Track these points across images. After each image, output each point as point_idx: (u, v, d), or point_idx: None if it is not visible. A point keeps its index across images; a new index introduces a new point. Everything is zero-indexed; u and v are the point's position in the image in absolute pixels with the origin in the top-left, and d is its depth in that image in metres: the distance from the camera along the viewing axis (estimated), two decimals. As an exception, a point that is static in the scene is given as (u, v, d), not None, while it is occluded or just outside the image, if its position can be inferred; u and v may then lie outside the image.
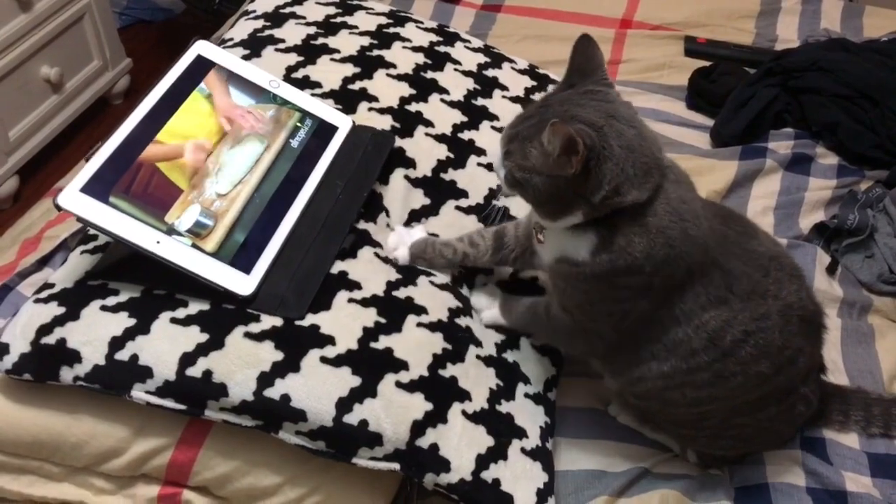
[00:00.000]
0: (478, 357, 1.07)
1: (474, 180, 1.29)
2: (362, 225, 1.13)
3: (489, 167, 1.31)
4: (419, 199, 1.23)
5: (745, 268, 1.00)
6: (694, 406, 1.04)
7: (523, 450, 1.02)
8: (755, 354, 0.99)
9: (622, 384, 1.09)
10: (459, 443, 0.97)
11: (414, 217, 1.22)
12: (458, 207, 1.25)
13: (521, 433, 1.04)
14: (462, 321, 1.10)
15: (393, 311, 1.04)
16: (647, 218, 0.92)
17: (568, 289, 1.02)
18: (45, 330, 0.97)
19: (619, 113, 0.93)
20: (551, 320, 1.07)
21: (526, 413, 1.07)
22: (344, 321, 1.01)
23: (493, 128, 1.38)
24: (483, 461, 0.97)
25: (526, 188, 0.94)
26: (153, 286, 1.02)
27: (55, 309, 0.99)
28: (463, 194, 1.27)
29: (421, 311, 1.06)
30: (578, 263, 0.96)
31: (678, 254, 0.94)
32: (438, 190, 1.25)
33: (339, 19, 1.49)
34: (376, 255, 1.11)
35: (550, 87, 1.50)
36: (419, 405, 0.96)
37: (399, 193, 1.22)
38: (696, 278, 0.97)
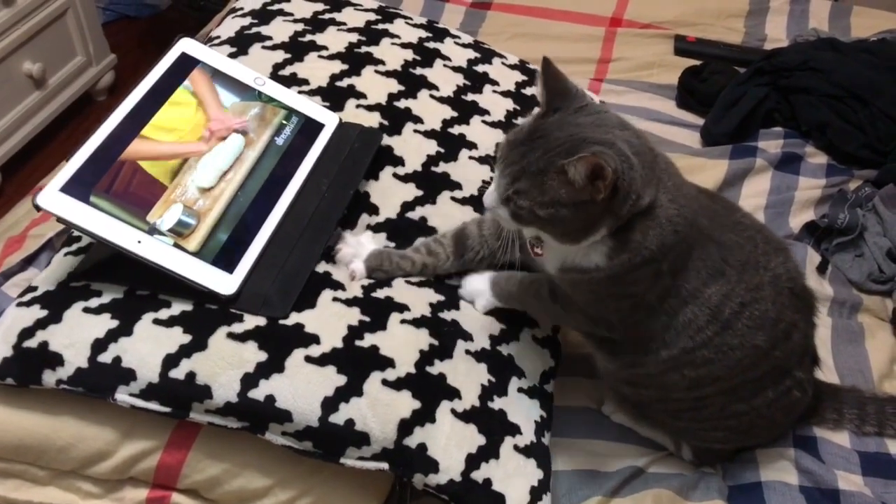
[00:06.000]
0: (467, 352, 1.05)
1: (467, 174, 1.26)
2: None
3: (481, 160, 1.29)
4: (411, 191, 1.21)
5: (737, 238, 1.02)
6: (693, 389, 1.04)
7: (516, 447, 1.01)
8: (751, 326, 1.00)
9: (619, 367, 1.08)
10: (448, 443, 0.96)
11: (407, 208, 1.18)
12: (453, 198, 1.22)
13: (514, 430, 1.03)
14: (447, 315, 1.08)
15: (376, 309, 1.03)
16: (656, 210, 0.93)
17: (575, 293, 1.02)
18: (27, 333, 0.95)
19: (612, 121, 0.93)
20: (558, 301, 1.06)
21: (519, 408, 1.06)
22: (329, 320, 0.99)
23: (483, 122, 1.36)
24: (473, 461, 0.96)
25: (551, 221, 0.91)
26: (136, 287, 1.00)
27: (37, 312, 0.97)
28: (457, 186, 1.24)
29: (403, 308, 1.04)
30: (589, 270, 0.96)
31: (683, 236, 0.95)
32: (431, 182, 1.23)
33: (326, 16, 1.48)
34: None
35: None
36: (406, 403, 0.95)
37: (389, 189, 1.20)
38: (694, 254, 0.98)
